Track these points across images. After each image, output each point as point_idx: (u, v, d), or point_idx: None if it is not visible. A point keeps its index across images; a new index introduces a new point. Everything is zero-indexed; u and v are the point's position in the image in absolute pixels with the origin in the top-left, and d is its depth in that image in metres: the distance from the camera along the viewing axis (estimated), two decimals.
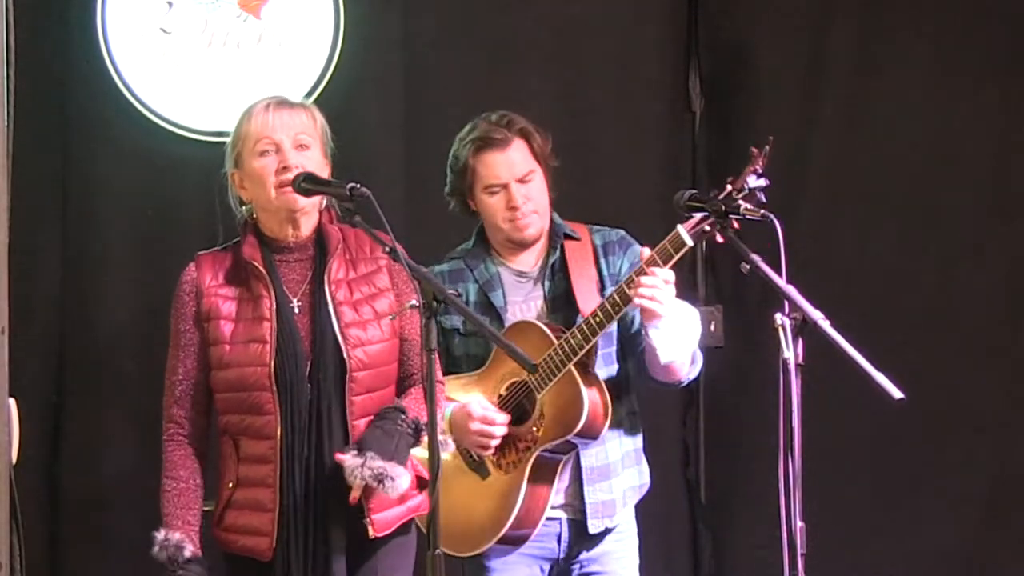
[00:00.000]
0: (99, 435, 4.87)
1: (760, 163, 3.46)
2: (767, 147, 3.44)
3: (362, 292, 3.51)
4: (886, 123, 4.96)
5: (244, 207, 3.54)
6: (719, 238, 3.53)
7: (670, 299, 3.67)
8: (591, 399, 3.79)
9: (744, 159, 3.42)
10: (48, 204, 4.86)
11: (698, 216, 3.57)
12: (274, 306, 3.45)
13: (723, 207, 3.54)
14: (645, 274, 3.66)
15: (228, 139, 3.55)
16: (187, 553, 3.38)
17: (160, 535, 3.40)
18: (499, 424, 3.80)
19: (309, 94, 4.82)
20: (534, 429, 3.83)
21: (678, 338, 3.75)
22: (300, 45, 4.86)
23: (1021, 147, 4.89)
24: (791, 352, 3.20)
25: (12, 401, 2.88)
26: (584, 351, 3.76)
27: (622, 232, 4.02)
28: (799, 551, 3.16)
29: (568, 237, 3.98)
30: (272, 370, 3.39)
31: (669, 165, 5.03)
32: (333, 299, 3.48)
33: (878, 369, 3.19)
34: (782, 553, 3.16)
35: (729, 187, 3.51)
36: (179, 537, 3.39)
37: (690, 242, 3.62)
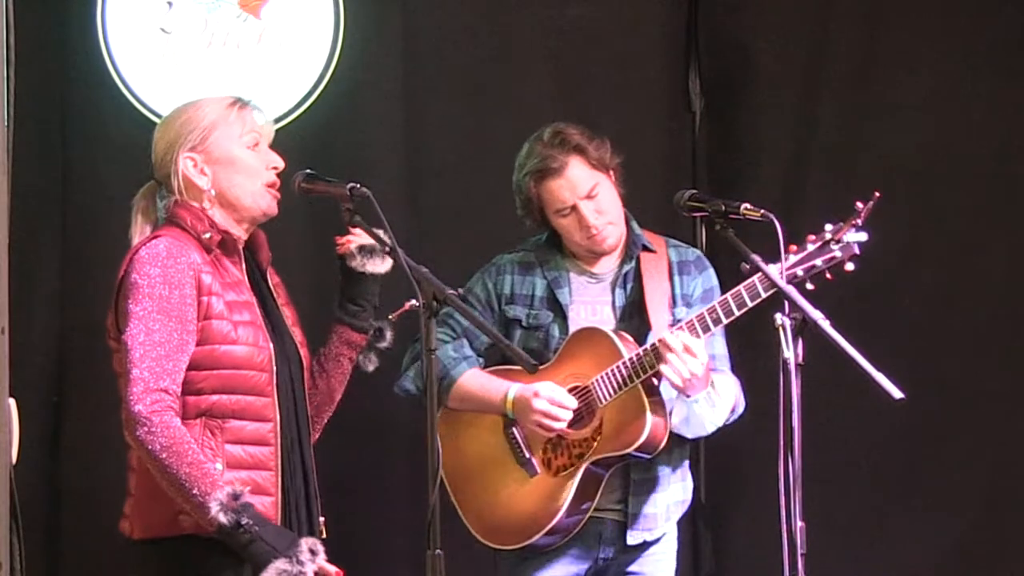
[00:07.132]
0: (99, 435, 4.85)
1: (863, 217, 3.47)
2: (871, 202, 3.44)
3: (284, 298, 3.53)
4: (886, 123, 4.95)
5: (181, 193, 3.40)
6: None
7: (696, 374, 3.70)
8: (654, 420, 3.77)
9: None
10: (48, 204, 4.85)
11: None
12: (255, 291, 3.41)
13: (723, 207, 3.54)
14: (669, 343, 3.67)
15: (179, 121, 3.43)
16: (247, 496, 3.16)
17: (215, 499, 3.14)
18: (568, 408, 3.77)
19: (309, 94, 4.82)
20: (591, 438, 3.80)
21: (698, 419, 3.82)
22: (300, 45, 4.85)
23: (1021, 147, 4.89)
24: (791, 352, 3.21)
25: (12, 401, 2.88)
26: (654, 371, 3.75)
27: (698, 251, 4.03)
28: (799, 551, 3.16)
29: (645, 248, 3.96)
30: (272, 352, 3.34)
31: (669, 165, 5.02)
32: (276, 298, 3.48)
33: (878, 369, 3.19)
34: (782, 553, 3.16)
35: (828, 235, 3.52)
36: (233, 488, 3.16)
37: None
